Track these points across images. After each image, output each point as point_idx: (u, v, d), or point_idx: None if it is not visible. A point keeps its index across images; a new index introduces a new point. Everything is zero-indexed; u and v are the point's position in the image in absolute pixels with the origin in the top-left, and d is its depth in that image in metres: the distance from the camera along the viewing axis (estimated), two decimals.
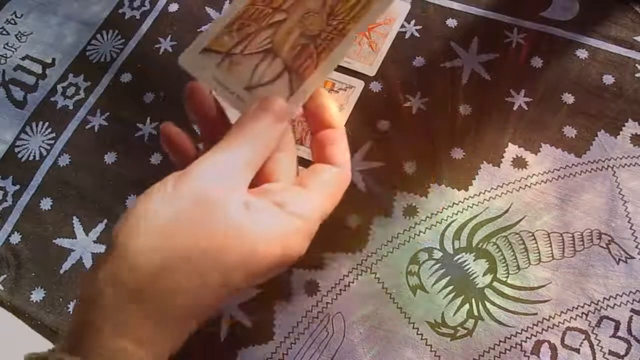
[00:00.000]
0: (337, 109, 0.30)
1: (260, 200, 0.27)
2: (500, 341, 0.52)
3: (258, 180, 0.29)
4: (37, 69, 0.73)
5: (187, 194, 0.26)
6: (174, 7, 0.75)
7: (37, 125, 0.69)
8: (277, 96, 0.28)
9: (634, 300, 0.52)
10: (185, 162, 0.28)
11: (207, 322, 0.28)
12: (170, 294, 0.25)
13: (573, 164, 0.58)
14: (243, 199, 0.27)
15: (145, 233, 0.25)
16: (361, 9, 0.29)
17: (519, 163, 0.59)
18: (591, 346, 0.51)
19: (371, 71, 0.65)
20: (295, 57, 0.29)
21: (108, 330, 0.24)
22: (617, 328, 0.51)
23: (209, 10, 0.74)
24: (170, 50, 0.71)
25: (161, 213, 0.26)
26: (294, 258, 0.28)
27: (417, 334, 0.53)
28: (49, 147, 0.67)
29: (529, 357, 0.51)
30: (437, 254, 0.56)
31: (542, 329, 0.52)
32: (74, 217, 0.63)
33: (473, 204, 0.57)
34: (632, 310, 0.52)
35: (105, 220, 0.62)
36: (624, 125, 0.59)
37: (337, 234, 0.58)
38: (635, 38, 0.64)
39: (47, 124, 0.69)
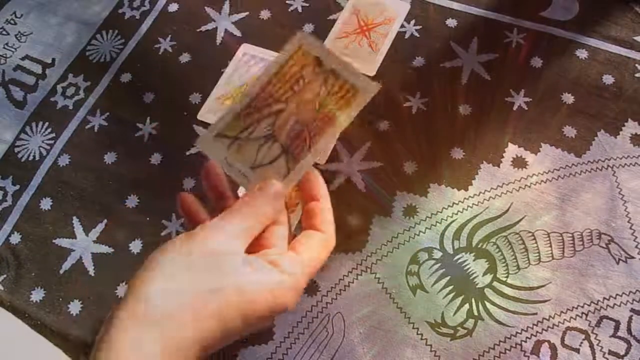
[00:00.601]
0: (324, 184, 0.37)
1: (259, 260, 0.33)
2: (500, 341, 0.52)
3: (258, 246, 0.34)
4: (37, 69, 0.73)
5: (196, 250, 0.31)
6: (174, 7, 0.75)
7: (37, 125, 0.69)
8: (274, 177, 0.35)
9: (633, 300, 0.52)
10: (194, 225, 0.34)
11: None
12: (180, 327, 0.30)
13: (573, 164, 0.58)
14: (243, 257, 0.32)
15: (162, 278, 0.31)
16: (347, 101, 0.35)
17: (519, 163, 0.59)
18: (591, 346, 0.51)
19: (371, 71, 0.65)
20: (291, 141, 0.35)
21: (123, 345, 0.29)
22: (617, 328, 0.51)
23: (208, 10, 0.74)
24: (170, 50, 0.71)
25: (175, 263, 0.31)
26: (284, 310, 0.33)
27: (417, 334, 0.53)
28: (49, 147, 0.67)
29: (529, 357, 0.51)
30: (437, 254, 0.56)
31: (542, 329, 0.52)
32: (74, 217, 0.63)
33: (473, 204, 0.57)
34: (632, 310, 0.52)
35: (105, 220, 0.62)
36: (624, 125, 0.59)
37: (337, 234, 0.58)
38: (635, 38, 0.64)
39: (47, 124, 0.69)
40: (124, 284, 0.58)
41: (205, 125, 0.66)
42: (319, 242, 0.36)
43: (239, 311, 0.31)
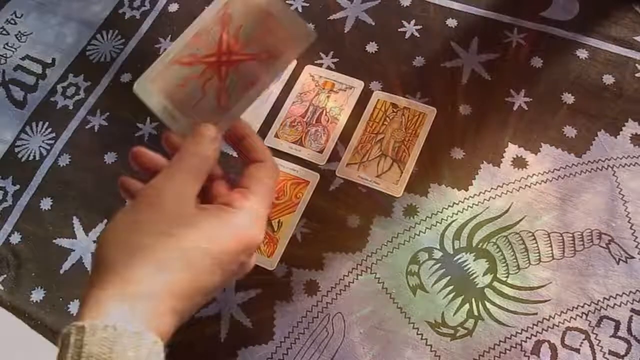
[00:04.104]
0: (249, 125, 0.37)
1: (212, 206, 0.34)
2: (500, 341, 0.52)
3: (208, 199, 0.35)
4: (37, 69, 0.73)
5: (144, 202, 0.33)
6: (174, 7, 0.75)
7: (37, 125, 0.69)
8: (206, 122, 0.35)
9: (634, 300, 0.52)
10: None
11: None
12: (142, 282, 0.30)
13: (573, 164, 0.58)
14: (197, 203, 0.33)
15: (118, 240, 0.32)
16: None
17: (519, 163, 0.59)
18: (591, 346, 0.51)
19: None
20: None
21: (90, 313, 0.29)
22: (617, 328, 0.51)
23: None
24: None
25: (131, 222, 0.32)
26: (254, 243, 0.34)
27: (417, 334, 0.53)
28: (49, 147, 0.67)
29: (529, 357, 0.51)
30: (437, 254, 0.56)
31: (542, 329, 0.52)
32: (74, 217, 0.63)
33: (473, 204, 0.57)
34: (632, 310, 0.52)
35: (105, 220, 0.62)
36: (624, 125, 0.59)
37: (337, 234, 0.58)
38: (635, 38, 0.64)
39: (47, 124, 0.69)
40: None
41: None
42: (260, 170, 0.36)
43: (206, 254, 0.32)
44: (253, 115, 0.65)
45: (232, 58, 0.34)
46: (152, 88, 0.36)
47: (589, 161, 0.58)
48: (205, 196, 0.35)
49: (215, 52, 0.34)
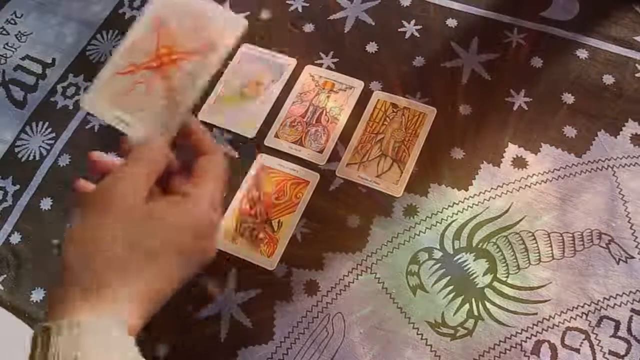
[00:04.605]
0: (197, 121, 0.39)
1: (161, 196, 0.36)
2: (500, 341, 0.52)
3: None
4: (37, 69, 0.73)
5: (95, 204, 0.34)
6: None
7: (37, 125, 0.69)
8: (153, 125, 0.37)
9: (634, 300, 0.52)
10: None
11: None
12: (102, 279, 0.32)
13: (573, 164, 0.58)
14: (145, 199, 0.34)
15: (77, 241, 0.33)
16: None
17: (519, 163, 0.59)
18: (591, 346, 0.51)
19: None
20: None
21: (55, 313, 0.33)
22: (617, 328, 0.51)
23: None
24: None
25: (80, 225, 0.34)
26: (209, 224, 0.35)
27: (417, 334, 0.53)
28: (49, 147, 0.67)
29: (529, 357, 0.51)
30: (437, 254, 0.56)
31: (542, 329, 0.52)
32: (74, 217, 0.63)
33: (473, 204, 0.57)
34: (632, 310, 0.52)
35: None
36: (624, 125, 0.59)
37: (337, 234, 0.58)
38: (635, 38, 0.64)
39: (47, 123, 0.69)
40: None
41: (206, 124, 0.66)
42: (209, 161, 0.38)
43: (165, 246, 0.33)
44: (253, 116, 0.65)
45: (172, 58, 0.36)
46: (100, 101, 0.37)
47: (589, 161, 0.58)
48: (164, 192, 0.37)
49: (154, 57, 0.36)
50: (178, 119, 0.36)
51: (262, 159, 0.62)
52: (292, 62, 0.68)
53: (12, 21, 0.77)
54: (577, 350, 0.51)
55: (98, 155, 0.38)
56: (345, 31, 0.69)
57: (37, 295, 0.59)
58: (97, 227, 0.33)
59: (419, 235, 0.57)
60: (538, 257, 0.54)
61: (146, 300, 0.33)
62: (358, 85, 0.65)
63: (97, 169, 0.38)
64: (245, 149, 0.63)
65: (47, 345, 0.29)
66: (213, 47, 0.36)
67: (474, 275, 0.54)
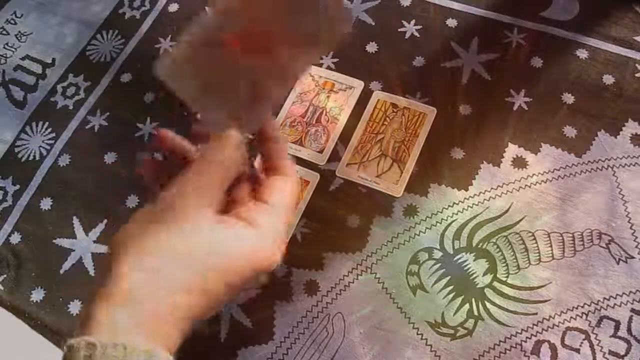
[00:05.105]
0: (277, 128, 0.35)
1: (231, 219, 0.32)
2: (500, 341, 0.52)
3: (228, 207, 0.34)
4: (37, 69, 0.73)
5: (164, 218, 0.31)
6: (174, 7, 0.75)
7: (37, 125, 0.69)
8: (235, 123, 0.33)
9: (634, 300, 0.52)
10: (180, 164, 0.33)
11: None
12: (152, 299, 0.29)
13: (573, 164, 0.58)
14: (216, 216, 0.32)
15: (131, 254, 0.30)
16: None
17: (519, 163, 0.59)
18: (591, 346, 0.51)
19: None
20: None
21: (98, 328, 0.28)
22: (617, 328, 0.51)
23: (209, 10, 0.73)
24: (170, 50, 0.71)
25: (143, 235, 0.31)
26: (269, 261, 0.32)
27: (417, 334, 0.53)
28: (49, 147, 0.67)
29: (529, 357, 0.51)
30: (437, 254, 0.56)
31: (542, 329, 0.52)
32: (74, 217, 0.63)
33: (473, 204, 0.57)
34: (632, 310, 0.52)
35: (105, 220, 0.62)
36: (624, 125, 0.59)
37: (337, 234, 0.58)
38: (635, 38, 0.64)
39: (47, 124, 0.69)
40: None
41: None
42: (282, 184, 0.35)
43: (219, 272, 0.31)
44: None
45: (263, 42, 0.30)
46: (180, 71, 0.31)
47: (589, 161, 0.58)
48: (227, 194, 0.34)
49: (240, 31, 0.30)
50: (259, 120, 0.33)
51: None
52: None
53: (12, 21, 0.78)
54: (577, 350, 0.51)
55: (167, 135, 0.35)
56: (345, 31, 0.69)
57: (37, 295, 0.59)
58: (156, 239, 0.30)
59: (419, 235, 0.57)
60: (538, 257, 0.54)
61: (186, 325, 0.31)
62: (358, 85, 0.65)
63: (168, 148, 0.35)
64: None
65: None
66: (316, 41, 0.33)
67: (474, 275, 0.54)
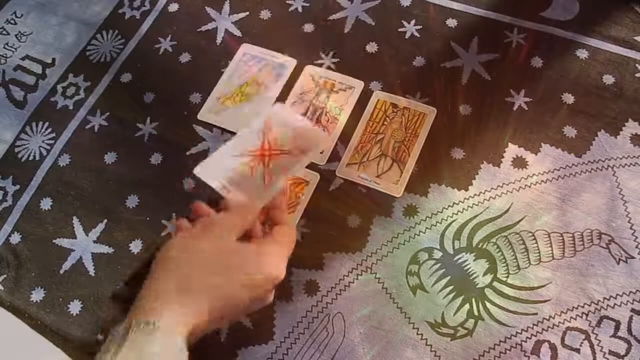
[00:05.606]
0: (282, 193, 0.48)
1: (249, 245, 0.43)
2: (500, 341, 0.52)
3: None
4: (37, 69, 0.73)
5: (199, 230, 0.42)
6: (174, 7, 0.75)
7: (37, 125, 0.69)
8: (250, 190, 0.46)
9: (634, 300, 0.52)
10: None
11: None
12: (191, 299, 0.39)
13: (573, 164, 0.58)
14: (235, 237, 0.43)
15: (172, 270, 0.40)
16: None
17: (519, 163, 0.59)
18: (591, 346, 0.51)
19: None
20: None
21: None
22: (617, 328, 0.51)
23: (209, 10, 0.74)
24: (170, 50, 0.71)
25: (182, 254, 0.41)
26: (277, 276, 0.42)
27: (417, 334, 0.53)
28: (49, 147, 0.67)
29: (529, 357, 0.51)
30: (437, 254, 0.56)
31: (542, 329, 0.52)
32: (74, 217, 0.63)
33: (473, 204, 0.57)
34: (633, 310, 0.52)
35: (105, 220, 0.62)
36: (624, 125, 0.59)
37: (337, 234, 0.58)
38: (635, 38, 0.64)
39: (47, 124, 0.69)
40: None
41: (206, 125, 0.66)
42: (285, 228, 0.45)
43: (243, 281, 0.40)
44: (253, 116, 0.65)
45: (272, 152, 0.47)
46: (212, 173, 0.47)
47: (589, 161, 0.58)
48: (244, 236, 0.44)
49: (260, 148, 0.48)
50: (269, 196, 0.46)
51: None
52: (292, 62, 0.68)
53: (12, 21, 0.78)
54: (577, 350, 0.51)
55: (200, 205, 0.45)
56: (345, 31, 0.69)
57: (37, 295, 0.59)
58: (194, 250, 0.40)
59: (419, 235, 0.57)
60: (538, 257, 0.54)
61: (209, 325, 0.40)
62: (358, 85, 0.65)
63: (198, 213, 0.45)
64: None
65: (124, 338, 0.35)
66: (303, 152, 0.47)
67: (474, 275, 0.54)
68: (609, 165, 0.58)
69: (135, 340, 0.35)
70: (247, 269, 0.40)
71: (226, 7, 0.74)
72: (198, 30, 0.72)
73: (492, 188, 0.58)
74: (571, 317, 0.52)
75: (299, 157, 0.47)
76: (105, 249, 0.60)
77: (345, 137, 0.62)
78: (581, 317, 0.52)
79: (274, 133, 0.48)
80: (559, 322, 0.52)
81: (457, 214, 0.57)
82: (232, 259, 0.41)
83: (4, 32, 0.77)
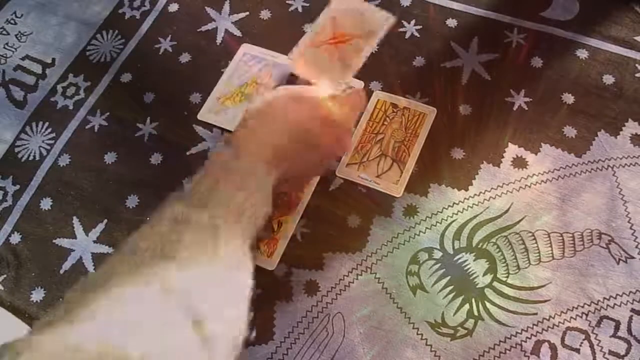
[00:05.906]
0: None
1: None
2: (500, 341, 0.52)
3: None
4: (37, 69, 0.73)
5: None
6: (174, 7, 0.75)
7: (37, 125, 0.69)
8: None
9: (634, 300, 0.52)
10: None
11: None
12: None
13: (573, 164, 0.58)
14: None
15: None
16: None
17: (519, 163, 0.59)
18: (591, 346, 0.51)
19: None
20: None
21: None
22: (617, 328, 0.51)
23: (209, 10, 0.74)
24: (170, 50, 0.71)
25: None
26: (347, 131, 0.50)
27: (417, 334, 0.53)
28: (49, 147, 0.67)
29: (529, 357, 0.51)
30: (437, 254, 0.56)
31: (542, 329, 0.52)
32: (74, 217, 0.63)
33: (473, 204, 0.57)
34: (632, 310, 0.52)
35: (105, 220, 0.62)
36: (624, 125, 0.59)
37: (337, 234, 0.58)
38: (635, 38, 0.64)
39: (47, 124, 0.69)
40: None
41: (206, 125, 0.66)
42: (357, 94, 0.50)
43: (299, 124, 0.45)
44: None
45: (344, 39, 0.51)
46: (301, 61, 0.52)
47: (589, 161, 0.58)
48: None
49: (331, 37, 0.51)
50: (347, 78, 0.49)
51: None
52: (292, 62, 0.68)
53: (12, 21, 0.78)
54: (577, 350, 0.51)
55: None
56: None
57: (37, 295, 0.59)
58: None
59: (419, 235, 0.57)
60: (538, 257, 0.54)
61: (281, 164, 0.44)
62: (358, 85, 0.65)
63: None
64: None
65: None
66: (371, 34, 0.50)
67: (474, 275, 0.54)
68: (609, 165, 0.58)
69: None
70: (308, 118, 0.46)
71: (226, 7, 0.74)
72: (198, 30, 0.72)
73: (492, 188, 0.58)
74: (571, 317, 0.52)
75: (367, 38, 0.50)
76: (105, 249, 0.60)
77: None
78: (581, 317, 0.52)
79: (340, 20, 0.52)
80: (559, 322, 0.52)
81: (457, 214, 0.57)
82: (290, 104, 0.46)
83: (4, 32, 0.77)
